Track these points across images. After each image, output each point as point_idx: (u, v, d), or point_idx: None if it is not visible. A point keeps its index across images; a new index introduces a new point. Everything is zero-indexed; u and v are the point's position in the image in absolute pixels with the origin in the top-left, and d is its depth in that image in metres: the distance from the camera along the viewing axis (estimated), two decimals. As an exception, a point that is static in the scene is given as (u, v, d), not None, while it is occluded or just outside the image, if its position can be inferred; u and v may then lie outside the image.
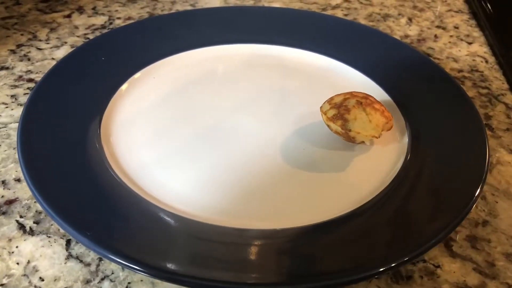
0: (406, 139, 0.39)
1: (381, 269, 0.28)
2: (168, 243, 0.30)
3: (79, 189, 0.33)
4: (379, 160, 0.38)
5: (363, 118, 0.37)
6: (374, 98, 0.39)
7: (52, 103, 0.39)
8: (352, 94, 0.39)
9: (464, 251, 0.33)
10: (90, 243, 0.28)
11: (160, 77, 0.46)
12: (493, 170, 0.39)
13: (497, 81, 0.51)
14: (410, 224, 0.32)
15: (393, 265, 0.29)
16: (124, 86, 0.44)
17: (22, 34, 0.54)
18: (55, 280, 0.30)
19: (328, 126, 0.39)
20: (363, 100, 0.38)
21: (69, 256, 0.31)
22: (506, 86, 0.50)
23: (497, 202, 0.36)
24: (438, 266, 0.32)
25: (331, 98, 0.39)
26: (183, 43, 0.50)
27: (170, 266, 0.28)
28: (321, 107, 0.39)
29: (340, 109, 0.38)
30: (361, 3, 0.66)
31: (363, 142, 0.38)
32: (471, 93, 0.49)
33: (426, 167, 0.36)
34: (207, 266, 0.28)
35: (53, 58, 0.51)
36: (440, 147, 0.38)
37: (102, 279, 0.30)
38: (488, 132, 0.43)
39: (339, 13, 0.63)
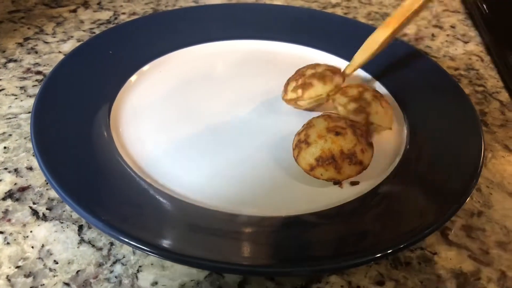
0: (404, 133, 0.41)
1: (378, 255, 0.30)
2: (177, 226, 0.31)
3: (91, 175, 0.34)
4: (378, 153, 0.39)
5: (381, 112, 0.38)
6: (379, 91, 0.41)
7: (64, 93, 0.41)
8: (362, 86, 0.41)
9: (459, 240, 0.34)
10: (105, 227, 0.29)
11: (167, 71, 0.47)
12: (488, 163, 0.41)
13: (492, 79, 0.52)
14: (407, 213, 0.33)
15: (390, 251, 0.30)
16: (133, 78, 0.45)
17: (29, 28, 0.55)
18: (68, 263, 0.31)
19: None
20: (377, 94, 0.39)
21: (82, 241, 0.32)
22: (500, 84, 0.52)
23: (491, 194, 0.38)
24: (435, 253, 0.33)
25: (343, 91, 0.40)
26: (188, 38, 0.51)
27: (180, 247, 0.29)
28: (334, 99, 0.40)
29: (361, 102, 0.39)
30: (361, 2, 0.67)
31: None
32: (467, 90, 0.50)
33: (424, 159, 0.38)
34: (216, 249, 0.30)
35: (60, 52, 0.52)
36: (437, 140, 0.39)
37: (114, 262, 0.31)
38: (483, 128, 0.44)
39: (339, 12, 0.64)
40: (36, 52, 0.51)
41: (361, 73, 0.48)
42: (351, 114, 0.38)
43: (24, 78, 0.47)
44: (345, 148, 0.34)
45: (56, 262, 0.31)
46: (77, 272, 0.30)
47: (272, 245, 0.31)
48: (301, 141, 0.36)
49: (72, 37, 0.54)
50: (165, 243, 0.29)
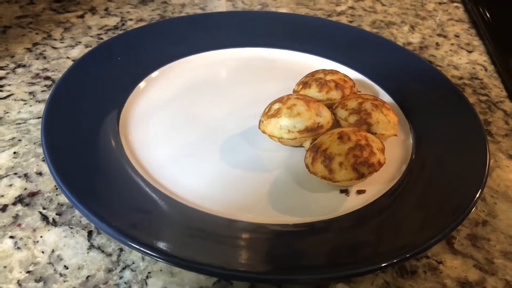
0: (410, 142, 0.41)
1: (384, 264, 0.30)
2: (187, 233, 0.32)
3: (101, 181, 0.34)
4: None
5: (383, 120, 0.39)
6: (379, 98, 0.42)
7: (74, 99, 0.41)
8: (361, 97, 0.41)
9: (465, 249, 0.35)
10: (114, 232, 0.30)
11: (175, 78, 0.48)
12: (493, 173, 0.41)
13: (496, 89, 0.53)
14: (413, 222, 0.34)
15: (396, 260, 0.30)
16: (141, 84, 0.46)
17: (37, 33, 0.56)
18: (78, 268, 0.31)
19: None
20: (376, 102, 0.40)
21: (91, 247, 0.33)
22: (504, 93, 0.52)
23: (496, 204, 0.38)
24: (441, 262, 0.33)
25: (343, 104, 0.41)
26: (196, 45, 0.51)
27: (189, 254, 0.29)
28: (335, 113, 0.41)
29: (361, 114, 0.39)
30: (366, 10, 0.68)
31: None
32: (471, 99, 0.50)
33: (430, 169, 0.38)
34: (224, 256, 0.30)
35: (68, 57, 0.52)
36: (442, 150, 0.40)
37: (124, 268, 0.31)
38: (488, 138, 0.45)
39: (344, 20, 0.65)
40: (45, 58, 0.52)
41: (367, 81, 0.49)
42: (352, 126, 0.39)
43: (33, 84, 0.47)
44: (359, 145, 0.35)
45: (66, 267, 0.31)
46: (87, 277, 0.31)
47: (279, 253, 0.31)
48: (316, 146, 0.36)
49: (80, 42, 0.55)
50: (174, 249, 0.30)
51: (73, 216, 0.34)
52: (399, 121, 0.43)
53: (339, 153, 0.35)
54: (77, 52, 0.53)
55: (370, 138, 0.36)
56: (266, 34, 0.55)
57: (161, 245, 0.30)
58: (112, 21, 0.60)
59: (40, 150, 0.40)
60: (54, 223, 0.34)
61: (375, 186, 0.37)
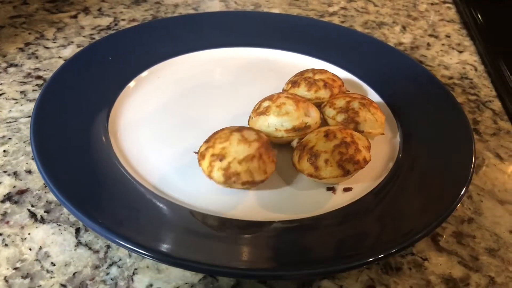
0: (397, 140, 0.42)
1: (368, 260, 0.30)
2: (173, 230, 0.32)
3: (89, 179, 0.35)
4: (372, 159, 0.40)
5: (371, 118, 0.39)
6: (367, 97, 0.43)
7: (63, 98, 0.41)
8: (350, 96, 0.42)
9: (450, 246, 0.35)
10: (101, 230, 0.30)
11: (165, 77, 0.48)
12: (479, 171, 0.42)
13: (486, 89, 0.53)
14: (399, 219, 0.34)
15: (380, 256, 0.30)
16: (131, 84, 0.46)
17: (30, 33, 0.56)
18: (65, 265, 0.31)
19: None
20: (364, 101, 0.40)
21: (79, 244, 0.33)
22: (494, 93, 0.53)
23: (482, 201, 0.39)
24: (426, 259, 0.34)
25: (331, 103, 0.41)
26: (187, 45, 0.52)
27: (175, 250, 0.30)
28: (324, 112, 0.41)
29: (349, 112, 0.40)
30: (358, 10, 0.68)
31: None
32: (460, 99, 0.51)
33: (416, 167, 0.38)
34: (210, 252, 0.30)
35: (60, 57, 0.52)
36: (429, 149, 0.40)
37: (110, 265, 0.32)
38: (476, 136, 0.45)
39: (336, 20, 0.65)
40: (37, 57, 0.52)
41: (356, 80, 0.49)
42: (340, 125, 0.39)
43: (25, 83, 0.48)
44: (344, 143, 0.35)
45: (53, 264, 0.31)
46: (74, 274, 0.31)
47: (264, 249, 0.31)
48: (303, 145, 0.37)
49: (72, 42, 0.55)
50: (161, 246, 0.30)
51: (61, 214, 0.35)
52: (387, 120, 0.43)
53: (325, 151, 0.35)
54: (69, 51, 0.53)
55: (356, 136, 0.36)
56: (258, 34, 0.55)
57: (148, 242, 0.30)
58: (105, 21, 0.60)
59: (30, 149, 0.40)
60: (42, 221, 0.34)
61: (361, 184, 0.37)
